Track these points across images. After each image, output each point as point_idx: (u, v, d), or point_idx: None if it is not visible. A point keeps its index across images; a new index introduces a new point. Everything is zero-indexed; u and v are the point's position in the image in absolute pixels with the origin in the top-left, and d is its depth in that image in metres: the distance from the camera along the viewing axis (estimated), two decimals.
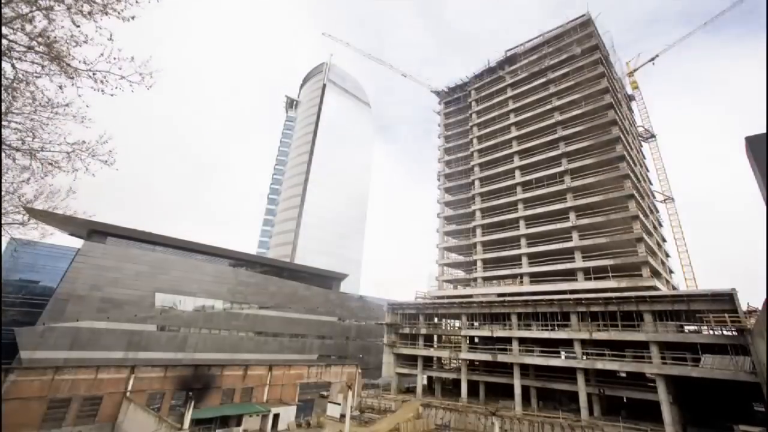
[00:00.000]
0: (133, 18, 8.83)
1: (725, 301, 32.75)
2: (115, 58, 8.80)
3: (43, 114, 10.30)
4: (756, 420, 30.95)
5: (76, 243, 49.33)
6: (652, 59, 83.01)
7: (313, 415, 40.86)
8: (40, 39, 8.11)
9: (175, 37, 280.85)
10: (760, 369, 28.44)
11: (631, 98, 75.62)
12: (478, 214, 59.84)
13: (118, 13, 8.57)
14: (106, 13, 8.45)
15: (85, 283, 43.95)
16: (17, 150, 10.66)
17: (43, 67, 8.99)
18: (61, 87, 9.22)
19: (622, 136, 50.06)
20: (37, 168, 11.15)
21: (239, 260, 62.14)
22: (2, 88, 8.86)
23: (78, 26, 8.30)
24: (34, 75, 8.98)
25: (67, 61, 8.75)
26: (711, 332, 36.34)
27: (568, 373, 40.82)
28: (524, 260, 52.11)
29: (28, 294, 47.57)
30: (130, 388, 31.44)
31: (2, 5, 7.64)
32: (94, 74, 8.97)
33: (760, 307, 28.03)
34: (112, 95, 9.16)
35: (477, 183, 62.02)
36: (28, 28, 7.89)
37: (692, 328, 40.42)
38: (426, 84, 76.85)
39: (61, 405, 28.44)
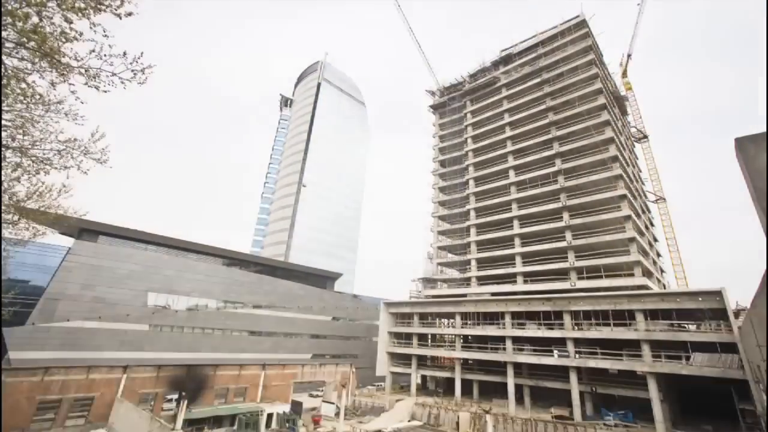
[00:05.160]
0: (130, 14, 8.71)
1: (714, 299, 33.28)
2: (106, 55, 8.67)
3: (34, 111, 10.14)
4: (744, 418, 31.47)
5: (67, 242, 48.68)
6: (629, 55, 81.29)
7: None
8: (31, 35, 7.97)
9: (169, 34, 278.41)
10: (747, 367, 28.93)
11: (624, 99, 76.32)
12: (472, 213, 60.07)
13: (114, 9, 8.44)
14: (100, 10, 8.32)
15: (76, 283, 43.38)
16: (7, 147, 10.50)
17: (33, 63, 8.84)
18: (53, 84, 9.08)
19: (615, 136, 50.54)
20: (28, 166, 10.98)
21: (233, 259, 61.73)
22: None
23: (70, 22, 8.17)
24: (24, 71, 8.83)
25: (58, 57, 8.61)
26: (701, 331, 36.85)
27: (561, 372, 41.20)
28: (518, 260, 52.43)
29: (17, 294, 46.81)
30: (122, 388, 31.14)
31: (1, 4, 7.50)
32: (86, 71, 8.84)
33: (748, 306, 28.50)
34: (105, 92, 9.04)
35: (471, 182, 62.24)
36: (20, 24, 7.75)
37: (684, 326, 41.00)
38: (438, 78, 76.06)
39: (52, 406, 28.08)
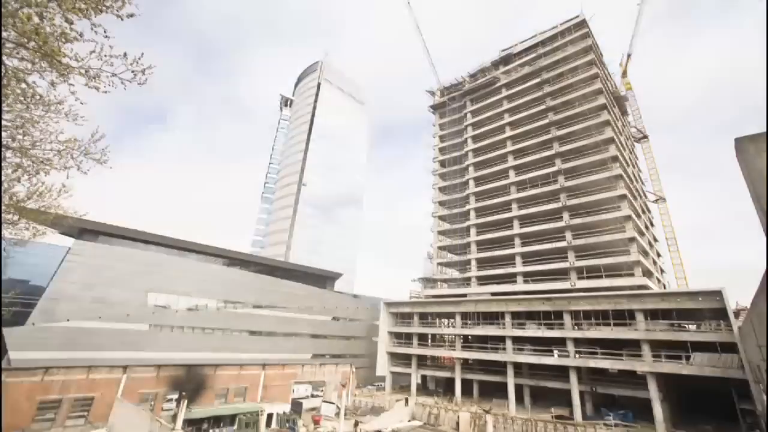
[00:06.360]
0: (131, 15, 8.70)
1: (714, 299, 33.29)
2: (106, 55, 8.66)
3: (34, 111, 10.13)
4: (744, 418, 31.49)
5: (67, 242, 48.66)
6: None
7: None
8: (32, 36, 7.97)
9: (168, 32, 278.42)
10: (747, 367, 28.94)
11: (624, 99, 76.27)
12: (472, 213, 60.07)
13: (116, 10, 8.44)
14: (101, 11, 8.32)
15: (76, 283, 43.36)
16: (7, 148, 10.49)
17: (33, 63, 8.83)
18: (53, 84, 9.07)
19: (615, 136, 50.53)
20: (28, 166, 10.97)
21: (233, 259, 61.71)
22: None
23: (71, 23, 8.16)
24: (25, 72, 8.82)
25: (58, 58, 8.60)
26: (701, 331, 36.87)
27: (561, 372, 41.21)
28: (518, 260, 52.44)
29: (17, 294, 46.83)
30: (122, 388, 31.16)
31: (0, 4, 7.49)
32: (86, 71, 8.83)
33: (748, 306, 28.51)
34: (105, 92, 9.04)
35: (471, 183, 62.24)
36: (20, 25, 7.75)
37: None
38: (440, 74, 76.26)
39: (52, 406, 28.09)
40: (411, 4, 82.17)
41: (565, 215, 49.86)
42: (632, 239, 44.52)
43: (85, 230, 46.95)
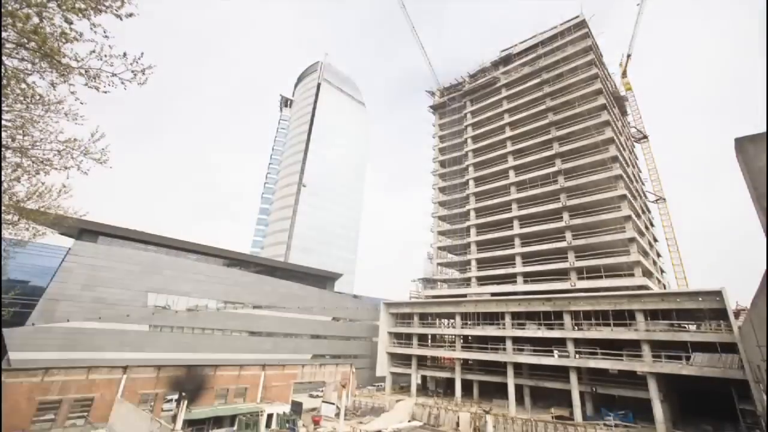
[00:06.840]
0: (130, 15, 8.70)
1: (714, 299, 33.28)
2: (106, 55, 8.67)
3: (34, 111, 10.13)
4: (744, 418, 31.45)
5: (67, 242, 48.65)
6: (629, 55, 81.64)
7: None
8: (31, 36, 7.97)
9: (169, 33, 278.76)
10: (747, 367, 28.92)
11: (624, 99, 76.27)
12: (472, 213, 60.06)
13: (115, 9, 8.44)
14: (100, 11, 8.32)
15: (76, 283, 43.34)
16: (7, 148, 10.49)
17: (33, 64, 8.83)
18: (53, 84, 9.07)
19: (615, 136, 50.53)
20: (28, 166, 10.97)
21: (233, 260, 61.67)
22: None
23: (71, 23, 8.17)
24: (25, 72, 8.82)
25: (58, 58, 8.60)
26: (701, 331, 36.83)
27: (561, 372, 41.19)
28: (518, 260, 52.42)
29: (17, 294, 46.82)
30: (122, 388, 31.11)
31: (1, 5, 7.49)
32: (86, 71, 8.83)
33: (748, 306, 28.49)
34: (105, 92, 9.04)
35: (471, 183, 62.24)
36: (20, 25, 7.75)
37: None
38: (440, 74, 76.62)
39: (52, 406, 28.05)
40: (406, 6, 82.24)
41: (565, 215, 49.84)
42: (632, 239, 44.50)
43: (85, 230, 46.93)
